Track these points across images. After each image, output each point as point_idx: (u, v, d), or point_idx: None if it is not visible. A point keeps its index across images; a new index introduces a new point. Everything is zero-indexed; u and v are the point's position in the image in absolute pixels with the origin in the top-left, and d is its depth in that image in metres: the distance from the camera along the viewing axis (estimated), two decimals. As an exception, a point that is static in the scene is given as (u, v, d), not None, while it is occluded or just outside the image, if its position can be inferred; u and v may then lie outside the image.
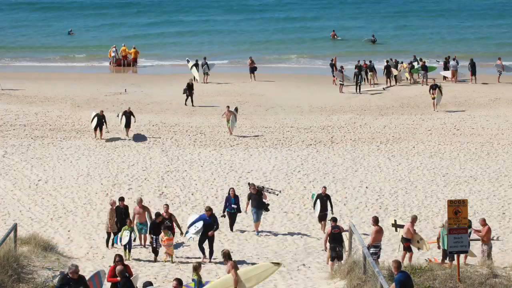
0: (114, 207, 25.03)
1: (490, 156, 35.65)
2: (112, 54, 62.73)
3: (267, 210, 26.90)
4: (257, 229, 26.52)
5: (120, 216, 24.79)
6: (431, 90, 44.42)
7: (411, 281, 16.75)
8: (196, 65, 55.10)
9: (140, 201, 25.42)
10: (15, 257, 20.15)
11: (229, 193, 26.79)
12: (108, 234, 24.94)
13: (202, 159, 35.21)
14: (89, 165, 34.03)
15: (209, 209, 23.94)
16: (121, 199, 25.51)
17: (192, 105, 45.48)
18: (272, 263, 19.22)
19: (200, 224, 23.85)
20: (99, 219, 27.32)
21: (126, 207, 25.12)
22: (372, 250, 21.10)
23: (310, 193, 30.37)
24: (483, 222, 21.97)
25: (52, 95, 48.99)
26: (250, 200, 26.70)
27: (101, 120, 38.17)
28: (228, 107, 39.13)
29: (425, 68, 53.71)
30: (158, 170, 33.42)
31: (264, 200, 26.73)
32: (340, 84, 51.04)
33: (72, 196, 30.02)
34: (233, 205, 26.51)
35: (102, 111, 38.83)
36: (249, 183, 28.01)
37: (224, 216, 26.63)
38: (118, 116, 39.74)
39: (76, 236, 25.86)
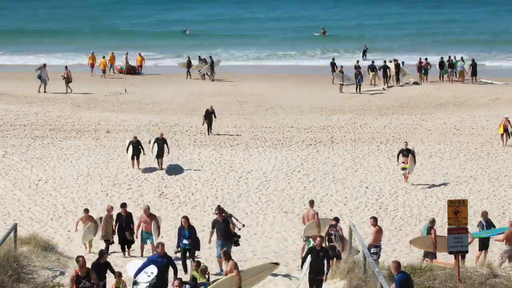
0: (111, 213, 23.52)
1: (490, 156, 35.64)
2: (117, 63, 60.53)
3: (237, 244, 21.82)
4: (221, 266, 21.08)
5: (121, 224, 23.37)
6: (399, 156, 31.93)
7: (411, 281, 16.75)
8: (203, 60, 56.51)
9: (147, 209, 23.56)
10: (15, 257, 20.15)
11: (181, 223, 21.44)
12: (106, 242, 23.62)
13: (202, 159, 35.21)
14: (89, 165, 34.02)
15: (159, 246, 18.54)
16: (123, 205, 23.86)
17: (209, 133, 39.16)
18: (271, 263, 19.16)
19: (152, 269, 18.23)
20: (99, 219, 27.29)
21: (129, 215, 23.68)
22: (372, 250, 21.11)
23: (310, 193, 30.38)
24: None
25: (52, 95, 48.98)
26: (215, 230, 21.60)
27: (137, 148, 33.16)
28: (87, 210, 24.54)
29: (451, 66, 54.63)
30: (158, 170, 33.39)
31: (232, 231, 21.73)
32: (340, 84, 51.05)
33: (72, 196, 30.02)
34: (185, 240, 21.08)
35: (136, 137, 33.70)
36: (218, 206, 22.97)
37: (177, 253, 21.71)
38: (149, 142, 34.33)
39: (76, 236, 25.81)
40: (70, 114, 43.75)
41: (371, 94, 50.55)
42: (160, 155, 33.23)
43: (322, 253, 19.03)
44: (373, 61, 55.01)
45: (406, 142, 32.99)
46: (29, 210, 28.51)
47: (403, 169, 31.59)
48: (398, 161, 31.96)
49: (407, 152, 31.66)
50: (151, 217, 23.41)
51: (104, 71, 57.50)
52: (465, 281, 18.12)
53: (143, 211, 23.60)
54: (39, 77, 49.79)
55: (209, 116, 38.85)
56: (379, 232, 21.73)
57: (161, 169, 33.13)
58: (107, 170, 33.26)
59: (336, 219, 22.26)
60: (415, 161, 31.91)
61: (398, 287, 16.46)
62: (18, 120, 41.99)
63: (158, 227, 23.40)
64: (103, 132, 39.81)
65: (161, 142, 33.27)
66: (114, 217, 23.90)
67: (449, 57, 56.02)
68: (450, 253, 18.85)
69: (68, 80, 50.14)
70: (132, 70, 59.72)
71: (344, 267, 20.24)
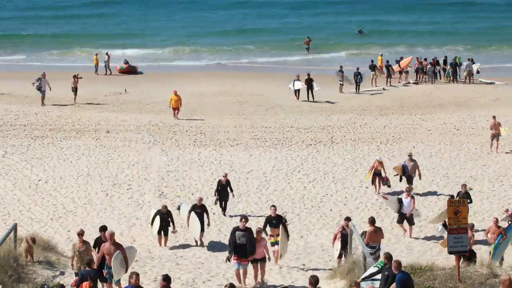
0: (82, 239, 19.66)
1: (490, 156, 35.63)
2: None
3: None
4: None
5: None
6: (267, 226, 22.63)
7: (412, 281, 16.75)
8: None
9: (111, 235, 18.80)
10: (15, 257, 20.17)
11: None
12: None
13: (202, 159, 35.21)
14: (89, 165, 34.03)
15: (133, 276, 16.04)
16: (103, 228, 19.94)
17: (224, 213, 28.32)
18: None
19: None
20: (99, 219, 27.34)
21: (118, 245, 19.03)
22: (367, 250, 21.12)
23: (310, 193, 30.40)
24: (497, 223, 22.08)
25: (52, 95, 48.94)
26: None
27: (166, 220, 25.15)
28: None
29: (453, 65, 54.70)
30: (158, 170, 33.42)
31: None
32: (340, 84, 51.02)
33: (72, 196, 30.02)
34: None
35: (166, 207, 25.39)
36: None
37: None
38: (178, 208, 26.56)
39: (76, 236, 25.80)
40: (70, 114, 43.76)
41: (371, 94, 50.55)
42: (201, 228, 25.04)
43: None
44: (372, 61, 54.98)
45: (273, 206, 23.28)
46: (29, 210, 28.51)
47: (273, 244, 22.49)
48: (266, 232, 22.46)
49: (277, 222, 22.53)
50: (117, 246, 18.70)
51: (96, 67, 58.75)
52: (465, 281, 18.11)
53: (108, 239, 18.92)
54: (39, 88, 45.78)
55: (223, 189, 28.42)
56: (374, 232, 21.76)
57: (201, 245, 25.12)
58: (107, 170, 33.26)
59: (348, 219, 22.31)
60: (287, 235, 22.57)
61: (398, 287, 16.47)
62: (18, 120, 41.99)
63: (125, 258, 18.72)
64: (103, 132, 39.82)
65: (199, 211, 25.15)
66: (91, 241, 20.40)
67: (454, 57, 56.26)
68: (450, 253, 18.83)
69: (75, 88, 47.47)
70: (132, 70, 59.99)
71: (344, 267, 20.27)
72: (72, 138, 38.60)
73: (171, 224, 25.08)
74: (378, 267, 17.81)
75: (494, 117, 36.64)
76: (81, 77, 48.05)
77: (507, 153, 36.00)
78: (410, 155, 30.70)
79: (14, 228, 21.28)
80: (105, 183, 31.60)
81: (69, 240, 25.39)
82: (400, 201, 26.10)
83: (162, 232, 25.04)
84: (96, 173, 32.84)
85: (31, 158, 34.99)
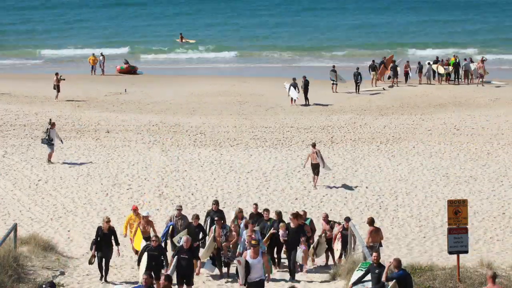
0: None
1: (490, 156, 35.64)
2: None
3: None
4: None
5: None
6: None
7: (411, 279, 16.74)
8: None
9: None
10: (15, 257, 20.18)
11: None
12: None
13: (202, 159, 35.21)
14: (89, 165, 34.02)
15: (144, 276, 15.69)
16: None
17: None
18: None
19: None
20: (99, 219, 27.30)
21: None
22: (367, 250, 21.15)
23: (310, 193, 30.40)
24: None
25: (52, 95, 48.94)
26: None
27: (158, 258, 19.09)
28: None
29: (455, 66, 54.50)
30: (158, 170, 33.42)
31: None
32: (333, 83, 50.78)
33: (72, 196, 30.01)
34: None
35: (155, 241, 19.34)
36: None
37: None
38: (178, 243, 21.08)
39: (76, 236, 25.85)
40: (70, 114, 43.75)
41: (371, 94, 50.55)
42: (186, 273, 18.98)
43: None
44: (373, 61, 54.93)
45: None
46: (29, 210, 28.50)
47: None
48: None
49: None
50: None
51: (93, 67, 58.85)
52: (465, 281, 18.13)
53: None
54: (48, 142, 34.13)
55: (105, 240, 20.98)
56: (373, 232, 21.81)
57: None
58: (107, 170, 33.26)
59: (348, 219, 22.34)
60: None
61: (396, 283, 16.42)
62: (18, 120, 41.99)
63: None
64: (103, 132, 39.81)
65: (185, 257, 18.86)
66: None
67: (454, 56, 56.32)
68: (450, 253, 18.86)
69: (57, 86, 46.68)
70: (132, 70, 60.07)
71: (344, 267, 20.28)
72: (72, 138, 38.58)
73: (164, 263, 19.23)
74: (361, 269, 17.74)
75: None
76: (61, 76, 48.14)
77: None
78: (179, 209, 22.58)
79: (14, 228, 21.28)
80: (105, 183, 31.59)
81: (69, 240, 25.42)
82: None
83: (153, 274, 17.83)
84: (96, 173, 32.83)
85: (31, 158, 34.98)
